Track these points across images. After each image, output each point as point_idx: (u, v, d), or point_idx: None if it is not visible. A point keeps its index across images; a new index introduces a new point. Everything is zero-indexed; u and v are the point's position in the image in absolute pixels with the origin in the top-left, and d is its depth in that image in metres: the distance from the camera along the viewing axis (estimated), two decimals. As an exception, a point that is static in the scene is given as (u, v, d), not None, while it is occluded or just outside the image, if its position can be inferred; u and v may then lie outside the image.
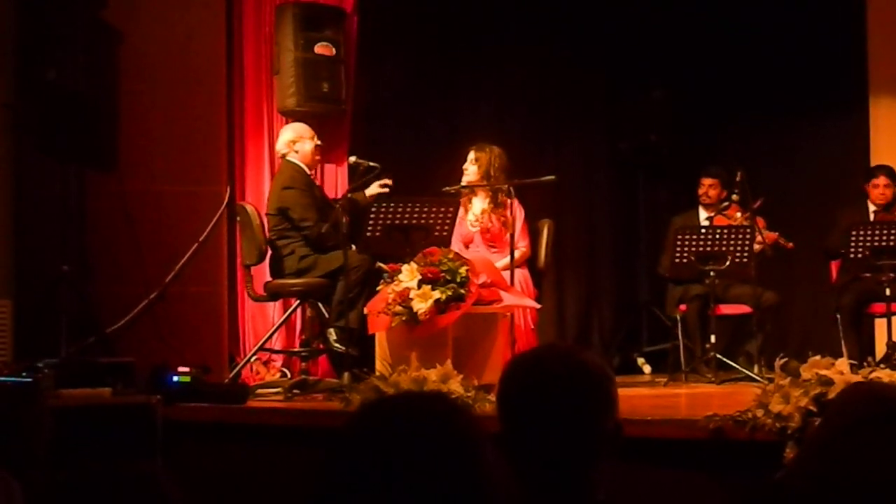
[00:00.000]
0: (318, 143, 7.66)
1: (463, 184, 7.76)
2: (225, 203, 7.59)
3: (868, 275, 7.75)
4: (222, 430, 6.10)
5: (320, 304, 7.49)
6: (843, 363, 4.84)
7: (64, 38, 6.89)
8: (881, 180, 8.21)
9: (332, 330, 7.21)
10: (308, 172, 7.59)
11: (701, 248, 7.77)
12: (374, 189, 7.57)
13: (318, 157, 7.72)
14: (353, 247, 7.17)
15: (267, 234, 7.54)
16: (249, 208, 7.59)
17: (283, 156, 7.63)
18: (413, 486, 1.66)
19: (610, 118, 9.98)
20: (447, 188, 7.57)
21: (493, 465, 1.73)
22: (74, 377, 6.27)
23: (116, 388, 6.21)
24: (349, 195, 7.62)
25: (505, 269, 7.22)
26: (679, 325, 8.27)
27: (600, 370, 2.25)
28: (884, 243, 7.56)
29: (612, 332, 9.85)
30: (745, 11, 9.43)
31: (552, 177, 7.71)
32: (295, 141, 7.59)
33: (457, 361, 5.96)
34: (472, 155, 7.77)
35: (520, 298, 7.13)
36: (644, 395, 7.21)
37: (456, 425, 1.74)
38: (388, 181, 7.51)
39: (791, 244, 8.25)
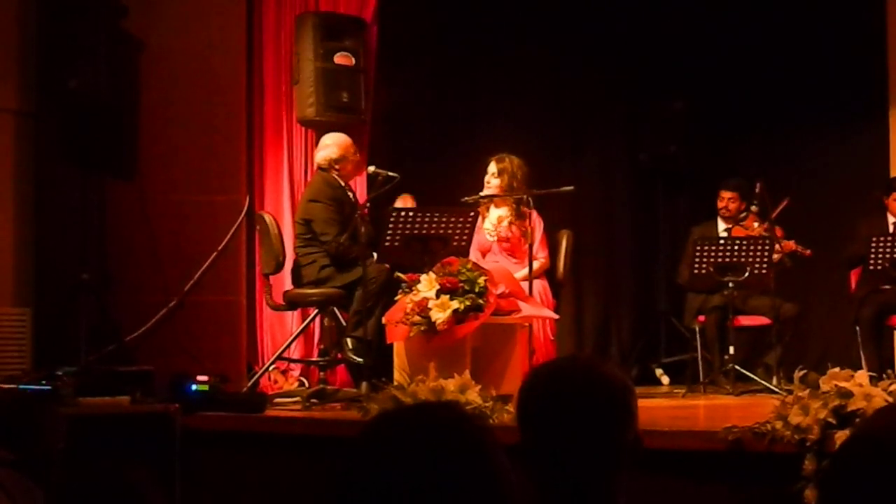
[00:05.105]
0: (356, 157, 7.65)
1: (484, 195, 7.75)
2: (244, 212, 7.60)
3: (888, 286, 7.73)
4: (240, 439, 6.10)
5: (339, 314, 7.49)
6: (862, 375, 4.81)
7: (85, 47, 6.91)
8: None
9: (348, 339, 7.22)
10: (342, 185, 7.56)
11: (720, 259, 7.75)
12: None
13: (355, 172, 7.74)
14: (374, 256, 7.17)
15: (285, 244, 7.56)
16: (268, 217, 7.61)
17: (319, 167, 7.61)
18: (427, 495, 1.66)
19: (629, 129, 9.99)
20: (465, 199, 7.56)
21: (507, 475, 1.73)
22: (94, 385, 6.28)
23: (135, 396, 6.21)
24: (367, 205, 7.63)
25: (524, 279, 7.22)
26: (698, 336, 8.27)
27: (619, 381, 2.25)
28: (904, 255, 7.54)
29: (630, 343, 9.84)
30: (764, 23, 9.43)
31: (571, 187, 7.70)
32: (338, 161, 7.54)
33: (475, 372, 5.94)
34: (493, 167, 7.74)
35: (538, 309, 7.12)
36: (662, 406, 7.19)
37: (469, 434, 1.73)
38: None
39: (809, 251, 8.24)
